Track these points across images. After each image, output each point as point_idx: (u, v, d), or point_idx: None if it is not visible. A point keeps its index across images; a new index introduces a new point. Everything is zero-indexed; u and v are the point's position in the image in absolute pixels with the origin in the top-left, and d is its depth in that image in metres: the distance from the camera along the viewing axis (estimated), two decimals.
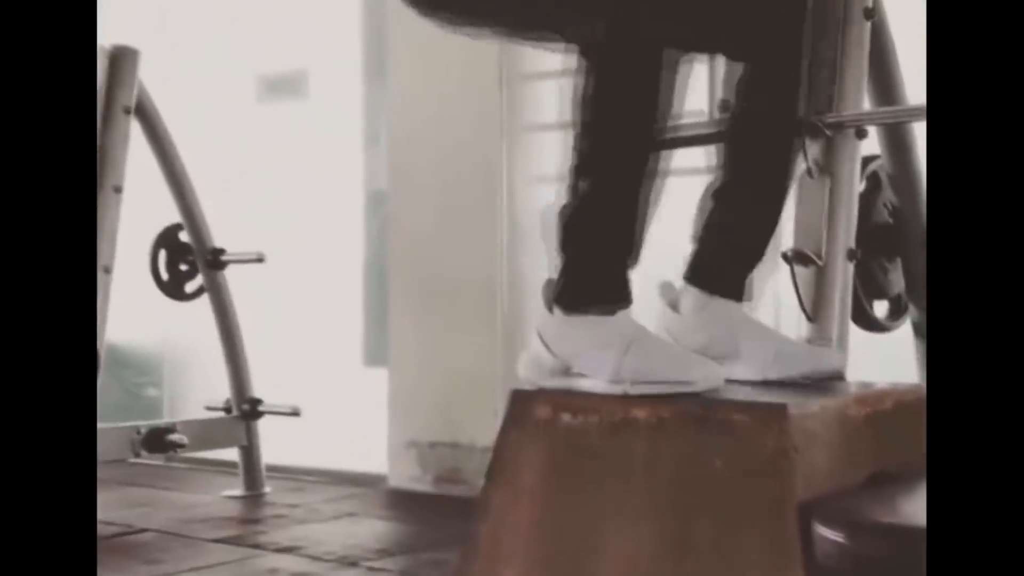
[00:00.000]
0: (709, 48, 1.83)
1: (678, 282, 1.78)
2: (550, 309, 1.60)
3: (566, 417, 1.55)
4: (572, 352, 1.58)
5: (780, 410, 1.41)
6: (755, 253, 1.76)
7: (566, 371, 1.59)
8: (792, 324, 2.23)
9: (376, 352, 4.17)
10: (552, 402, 1.57)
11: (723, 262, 1.72)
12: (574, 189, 1.59)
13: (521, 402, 1.60)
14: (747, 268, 1.74)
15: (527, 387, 1.63)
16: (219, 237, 3.65)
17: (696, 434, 1.45)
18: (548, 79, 3.54)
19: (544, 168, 3.59)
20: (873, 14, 2.12)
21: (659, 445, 1.47)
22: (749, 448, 1.42)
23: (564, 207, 1.60)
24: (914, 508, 1.47)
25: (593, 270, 1.60)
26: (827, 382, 1.65)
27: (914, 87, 2.37)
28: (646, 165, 1.60)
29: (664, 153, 1.62)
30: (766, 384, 1.63)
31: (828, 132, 2.05)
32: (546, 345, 1.59)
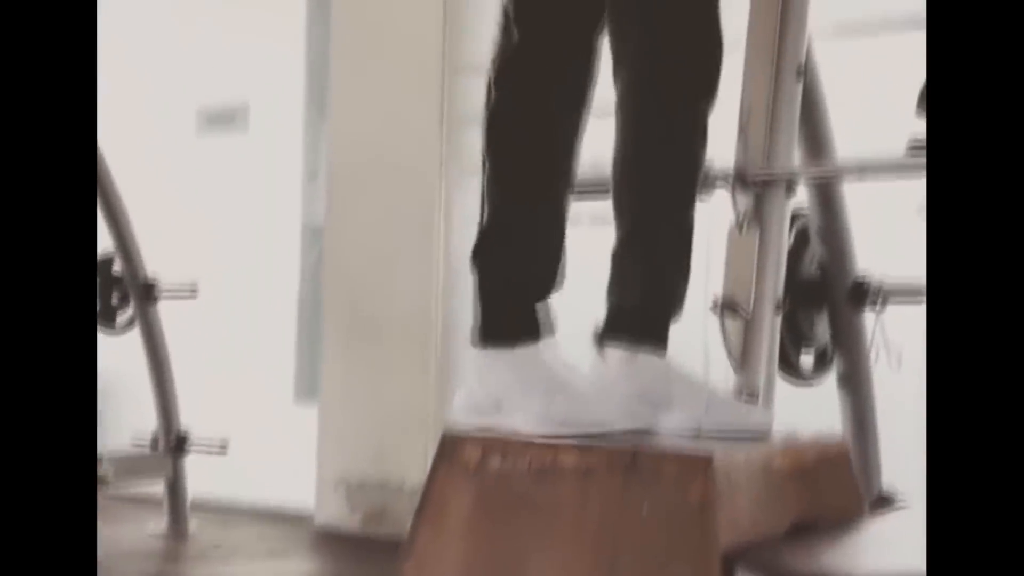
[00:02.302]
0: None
1: None
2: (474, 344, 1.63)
3: (495, 461, 1.57)
4: (497, 389, 1.60)
5: (706, 460, 1.44)
6: (672, 302, 1.73)
7: (497, 407, 1.61)
8: (721, 373, 2.27)
9: (307, 388, 4.15)
10: (482, 445, 1.58)
11: (640, 316, 1.68)
12: (479, 220, 1.64)
13: (451, 444, 1.61)
14: (666, 318, 1.71)
15: (458, 426, 1.64)
16: (153, 267, 3.62)
17: (624, 482, 1.47)
18: None
19: None
20: (804, 73, 2.18)
21: (587, 491, 1.49)
22: (675, 496, 1.44)
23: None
24: (834, 557, 1.51)
25: (494, 302, 1.63)
26: (754, 435, 1.68)
27: (843, 143, 2.43)
28: (545, 191, 1.63)
29: (569, 180, 1.65)
30: (697, 434, 1.65)
31: (758, 187, 2.11)
32: (477, 381, 1.62)
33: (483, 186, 1.62)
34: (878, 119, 2.70)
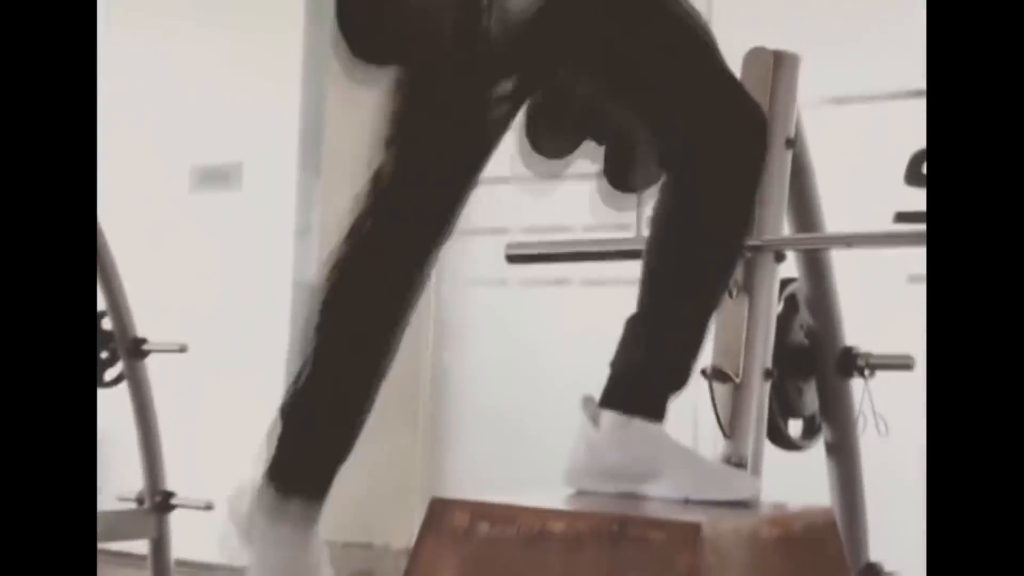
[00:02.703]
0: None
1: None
2: None
3: (484, 526, 1.56)
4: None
5: (694, 528, 1.44)
6: (676, 376, 1.76)
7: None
8: (709, 439, 2.27)
9: None
10: (470, 511, 1.58)
11: (641, 384, 1.73)
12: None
13: (439, 509, 1.61)
14: (667, 390, 1.74)
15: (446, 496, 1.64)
16: (143, 324, 3.62)
17: (612, 550, 1.47)
18: (482, 184, 3.60)
19: (473, 271, 3.64)
20: (794, 144, 2.20)
21: (575, 558, 1.49)
22: (663, 565, 1.44)
23: None
24: None
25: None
26: (742, 503, 1.68)
27: (832, 214, 2.46)
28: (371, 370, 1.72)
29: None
30: (685, 503, 1.66)
31: (748, 254, 2.12)
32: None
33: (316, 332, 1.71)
34: (866, 188, 2.73)
